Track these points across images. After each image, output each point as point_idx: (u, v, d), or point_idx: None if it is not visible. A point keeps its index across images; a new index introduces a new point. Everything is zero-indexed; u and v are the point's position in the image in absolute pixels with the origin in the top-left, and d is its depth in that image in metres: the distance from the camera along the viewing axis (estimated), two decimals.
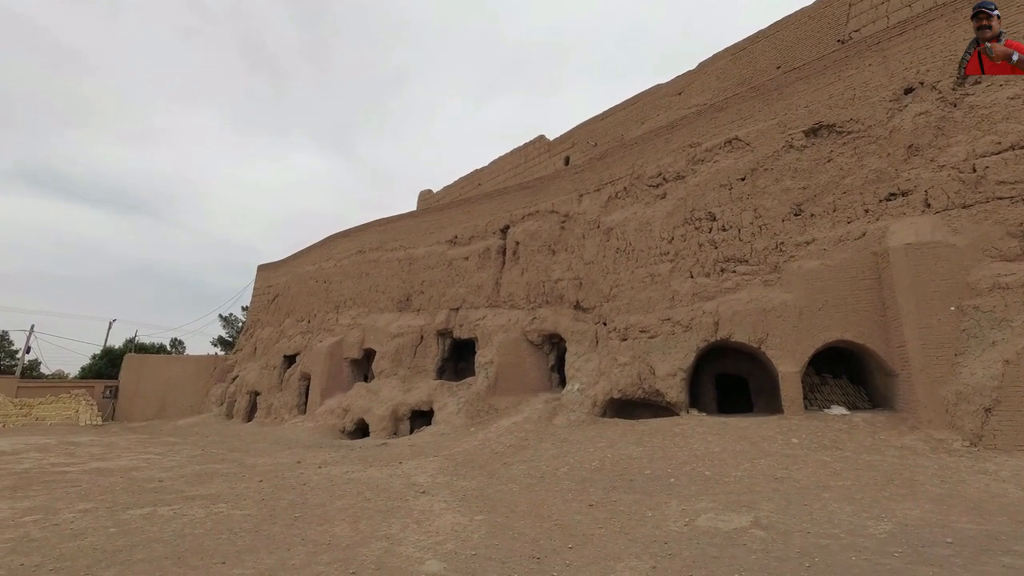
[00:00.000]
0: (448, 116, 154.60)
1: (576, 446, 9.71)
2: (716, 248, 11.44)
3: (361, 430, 16.30)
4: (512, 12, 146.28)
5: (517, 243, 16.49)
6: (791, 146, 11.00)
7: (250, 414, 22.15)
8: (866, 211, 9.59)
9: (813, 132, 10.83)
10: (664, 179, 13.24)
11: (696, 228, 11.96)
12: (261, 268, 29.36)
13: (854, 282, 9.21)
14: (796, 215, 10.51)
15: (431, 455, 10.67)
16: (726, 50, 18.14)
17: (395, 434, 15.04)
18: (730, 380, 12.38)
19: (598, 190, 15.14)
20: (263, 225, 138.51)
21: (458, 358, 18.05)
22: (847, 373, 10.64)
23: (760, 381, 11.49)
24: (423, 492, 7.39)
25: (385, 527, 5.67)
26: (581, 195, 15.60)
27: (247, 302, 38.35)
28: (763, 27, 17.26)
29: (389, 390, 16.31)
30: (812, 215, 10.29)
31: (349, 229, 23.84)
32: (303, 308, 23.36)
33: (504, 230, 17.43)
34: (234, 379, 24.49)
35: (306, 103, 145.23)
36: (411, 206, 33.46)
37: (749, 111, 12.08)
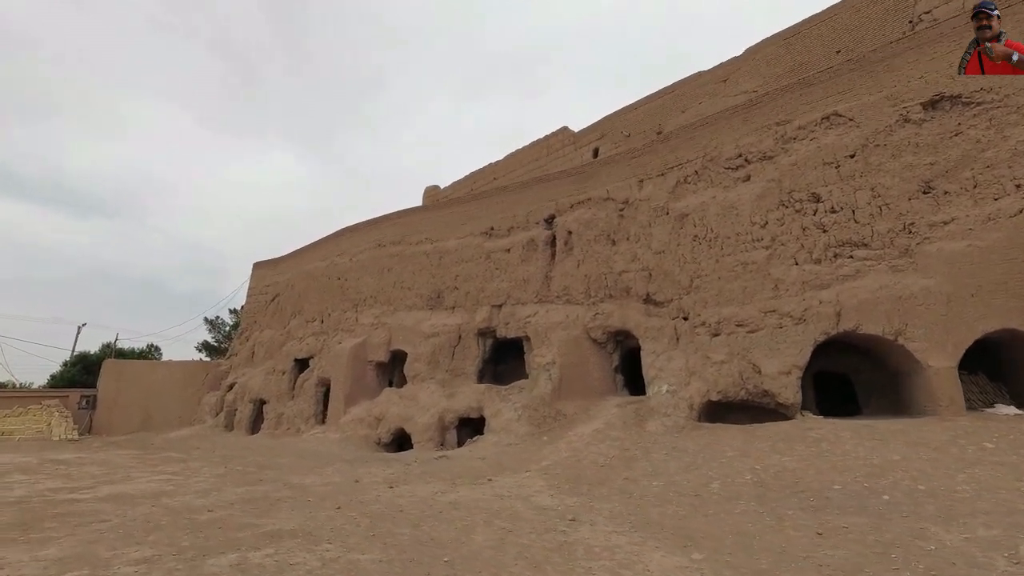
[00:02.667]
0: (432, 118, 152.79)
1: (699, 457, 8.34)
2: (825, 232, 10.32)
3: (397, 441, 14.54)
4: (496, 14, 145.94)
5: (569, 233, 15.10)
6: (907, 120, 9.99)
7: (254, 425, 19.96)
8: (1018, 186, 8.60)
9: (932, 105, 9.85)
10: (746, 160, 12.11)
11: (797, 211, 10.83)
12: (257, 266, 27.08)
13: (1013, 264, 8.19)
14: (925, 193, 9.47)
15: (519, 470, 9.13)
16: (776, 35, 17.31)
17: (442, 445, 13.36)
18: (827, 379, 11.29)
19: (662, 175, 13.92)
20: (238, 227, 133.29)
21: (496, 360, 16.49)
22: (983, 369, 9.62)
23: (871, 379, 10.40)
24: (572, 519, 5.88)
25: None
26: (641, 180, 14.34)
27: (236, 304, 35.75)
28: (817, 11, 16.52)
29: (428, 396, 14.61)
30: (946, 193, 9.26)
31: (362, 222, 22.01)
32: (314, 307, 21.33)
33: (550, 219, 16.02)
34: (231, 386, 22.20)
35: (282, 103, 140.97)
36: (397, 207, 31.68)
37: (847, 85, 11.06)
